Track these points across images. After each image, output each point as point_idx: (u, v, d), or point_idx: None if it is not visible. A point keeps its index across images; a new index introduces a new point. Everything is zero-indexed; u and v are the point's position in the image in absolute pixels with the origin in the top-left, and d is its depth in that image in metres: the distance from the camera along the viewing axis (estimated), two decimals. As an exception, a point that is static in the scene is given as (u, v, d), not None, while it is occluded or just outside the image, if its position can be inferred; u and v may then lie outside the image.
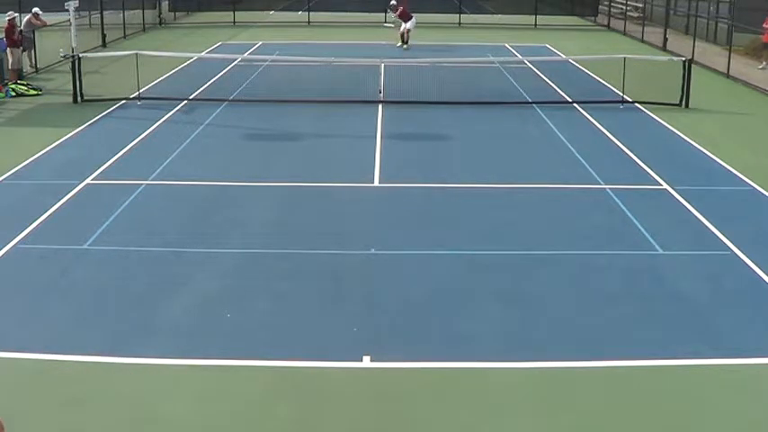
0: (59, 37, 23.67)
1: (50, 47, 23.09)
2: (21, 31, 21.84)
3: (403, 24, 29.13)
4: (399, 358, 7.81)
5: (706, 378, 7.61)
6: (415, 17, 29.40)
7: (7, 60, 20.59)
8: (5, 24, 21.00)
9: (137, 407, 7.03)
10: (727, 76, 23.22)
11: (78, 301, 8.94)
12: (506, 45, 29.79)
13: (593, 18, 40.18)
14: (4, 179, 13.12)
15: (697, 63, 21.82)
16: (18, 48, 20.88)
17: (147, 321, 8.47)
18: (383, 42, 29.78)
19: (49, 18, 24.22)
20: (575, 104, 19.19)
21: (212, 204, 12.08)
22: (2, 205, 11.98)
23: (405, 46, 28.60)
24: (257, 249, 10.46)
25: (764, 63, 24.64)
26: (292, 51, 25.96)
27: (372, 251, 10.37)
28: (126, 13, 31.51)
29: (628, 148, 15.29)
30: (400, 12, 29.30)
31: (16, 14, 21.65)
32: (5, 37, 20.64)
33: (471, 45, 29.43)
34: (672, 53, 26.38)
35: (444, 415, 6.94)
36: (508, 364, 7.76)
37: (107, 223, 11.07)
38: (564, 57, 25.44)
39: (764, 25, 24.31)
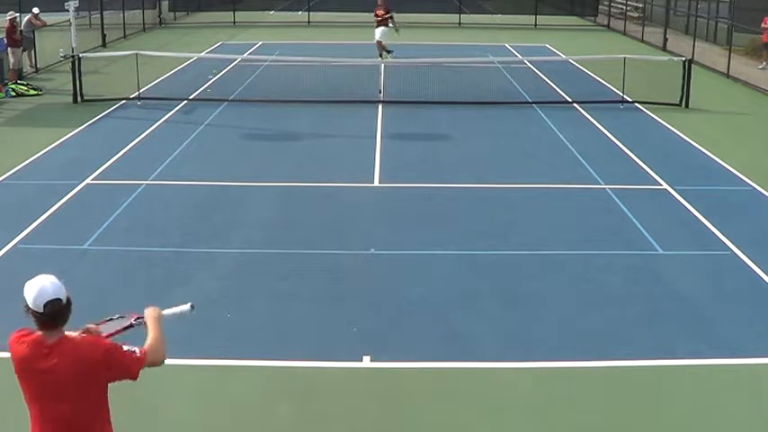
0: (59, 37, 23.67)
1: (50, 47, 23.10)
2: (21, 31, 21.84)
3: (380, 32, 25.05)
4: (399, 358, 7.81)
5: (706, 378, 7.61)
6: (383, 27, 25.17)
7: (8, 60, 20.61)
8: (6, 24, 21.01)
9: (136, 407, 7.03)
10: (727, 76, 23.22)
11: (78, 301, 8.90)
12: (506, 45, 29.79)
13: (593, 18, 40.18)
14: (4, 179, 13.12)
15: (697, 63, 21.82)
16: (18, 48, 20.90)
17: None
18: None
19: (49, 18, 24.23)
20: (575, 104, 19.19)
21: (212, 204, 12.08)
22: (2, 205, 11.98)
23: (387, 54, 24.51)
24: (257, 249, 10.46)
25: (765, 63, 24.64)
26: (292, 51, 25.94)
27: (372, 251, 10.37)
28: (126, 13, 31.51)
29: (628, 148, 15.29)
30: (381, 12, 25.06)
31: (17, 14, 21.65)
32: (6, 37, 20.65)
33: (471, 45, 29.42)
34: (672, 53, 26.38)
35: (444, 415, 6.94)
36: (508, 364, 7.76)
37: (107, 223, 11.06)
38: (564, 57, 25.43)
39: (765, 24, 24.28)
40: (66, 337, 4.38)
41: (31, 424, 4.54)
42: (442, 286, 9.42)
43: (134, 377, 4.48)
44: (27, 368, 4.36)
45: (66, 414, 4.37)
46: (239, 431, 6.77)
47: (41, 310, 4.32)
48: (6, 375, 7.52)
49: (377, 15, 25.47)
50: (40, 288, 4.37)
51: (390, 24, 25.31)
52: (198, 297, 8.98)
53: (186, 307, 5.06)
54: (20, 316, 8.76)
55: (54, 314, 4.33)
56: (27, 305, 4.38)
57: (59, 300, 4.35)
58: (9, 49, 20.64)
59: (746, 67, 24.10)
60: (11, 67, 20.64)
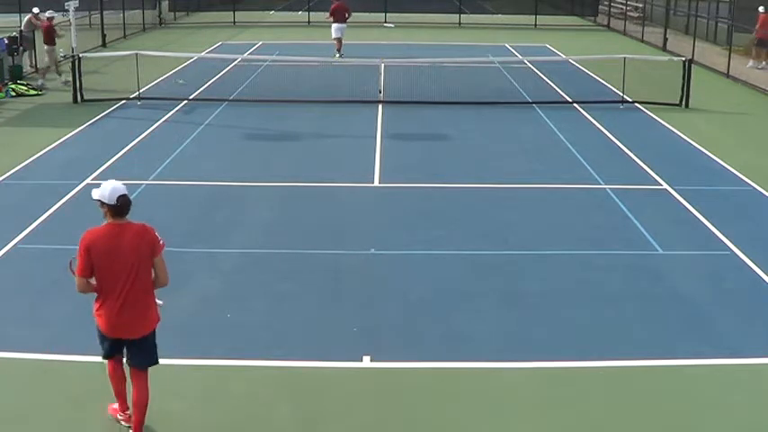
0: (59, 37, 23.65)
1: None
2: (21, 31, 21.88)
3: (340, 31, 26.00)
4: (399, 358, 7.81)
5: (706, 378, 7.61)
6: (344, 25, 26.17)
7: (46, 56, 21.01)
8: (44, 23, 21.30)
9: (137, 407, 7.03)
10: (727, 75, 23.22)
11: (78, 301, 8.90)
12: (506, 45, 29.80)
13: (593, 18, 40.20)
14: (4, 179, 13.12)
15: (697, 63, 21.82)
16: (53, 46, 21.21)
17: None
18: (383, 42, 29.80)
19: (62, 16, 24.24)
20: (575, 104, 19.20)
21: (212, 204, 12.08)
22: (2, 205, 11.98)
23: (338, 55, 25.63)
24: (257, 249, 10.46)
25: (753, 62, 24.73)
26: (292, 51, 25.95)
27: (372, 251, 10.37)
28: (126, 13, 31.51)
29: (628, 148, 15.29)
30: (334, 8, 25.94)
31: (56, 14, 21.98)
32: (44, 35, 20.99)
33: (471, 45, 29.43)
34: (672, 53, 26.38)
35: (444, 415, 6.94)
36: (508, 364, 7.76)
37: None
38: (564, 57, 25.44)
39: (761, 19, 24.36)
40: (129, 222, 6.22)
41: (99, 296, 6.17)
42: (442, 286, 9.41)
43: (161, 254, 6.31)
44: (105, 247, 6.08)
45: (130, 284, 6.08)
46: (239, 431, 6.76)
47: (115, 202, 6.11)
48: (8, 377, 7.54)
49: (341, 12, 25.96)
50: (113, 187, 6.13)
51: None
52: (198, 297, 9.01)
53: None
54: (25, 313, 8.77)
55: (124, 205, 6.15)
56: (102, 201, 6.12)
57: (127, 195, 6.15)
58: (45, 47, 21.01)
59: (746, 67, 24.12)
60: (47, 65, 20.96)
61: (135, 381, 6.38)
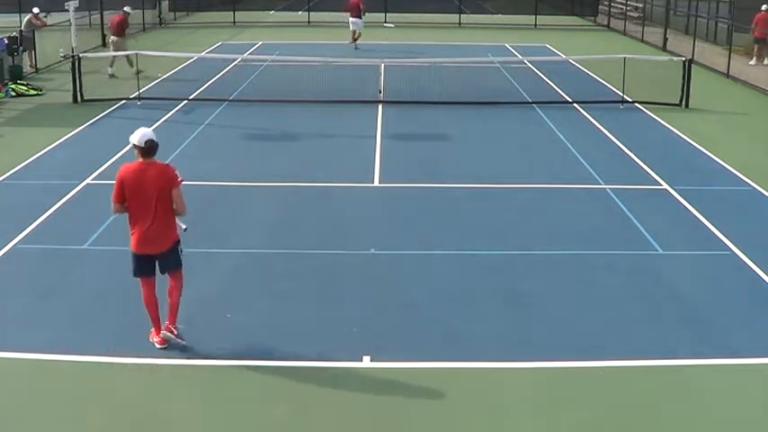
0: (59, 37, 23.67)
1: (50, 47, 23.09)
2: (21, 31, 21.88)
3: (354, 24, 28.67)
4: (399, 358, 7.81)
5: (706, 378, 7.61)
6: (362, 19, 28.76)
7: (112, 47, 22.12)
8: (120, 16, 22.53)
9: (136, 407, 7.04)
10: (727, 75, 23.23)
11: (78, 301, 8.94)
12: (506, 45, 29.80)
13: (593, 18, 40.21)
14: (4, 179, 13.12)
15: (697, 63, 21.82)
16: (122, 38, 22.34)
17: (146, 321, 8.44)
18: (383, 42, 29.80)
19: (49, 18, 24.24)
20: (575, 104, 19.20)
21: (212, 204, 12.08)
22: (2, 205, 11.98)
23: (355, 46, 28.44)
24: (257, 249, 10.46)
25: (754, 59, 24.79)
26: (292, 51, 25.95)
27: (372, 251, 10.37)
28: (126, 13, 31.50)
29: (628, 148, 15.29)
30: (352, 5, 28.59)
31: (131, 11, 23.39)
32: (116, 27, 22.30)
33: (471, 45, 29.43)
34: (672, 53, 26.38)
35: (444, 415, 6.95)
36: (508, 364, 7.76)
37: (107, 223, 11.04)
38: (564, 57, 25.44)
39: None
40: (155, 161, 7.69)
41: (131, 219, 7.70)
42: (442, 286, 9.42)
43: (178, 187, 7.67)
44: (133, 179, 7.57)
45: (153, 210, 7.57)
46: (238, 431, 6.76)
47: (143, 145, 7.56)
48: (8, 377, 7.54)
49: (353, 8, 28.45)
50: (143, 132, 7.60)
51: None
52: (198, 297, 9.00)
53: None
54: (25, 313, 8.78)
55: (150, 147, 7.61)
56: (134, 144, 7.57)
57: (153, 139, 7.62)
58: (116, 38, 22.23)
59: (746, 67, 24.12)
60: (119, 56, 21.66)
61: (171, 279, 7.89)
